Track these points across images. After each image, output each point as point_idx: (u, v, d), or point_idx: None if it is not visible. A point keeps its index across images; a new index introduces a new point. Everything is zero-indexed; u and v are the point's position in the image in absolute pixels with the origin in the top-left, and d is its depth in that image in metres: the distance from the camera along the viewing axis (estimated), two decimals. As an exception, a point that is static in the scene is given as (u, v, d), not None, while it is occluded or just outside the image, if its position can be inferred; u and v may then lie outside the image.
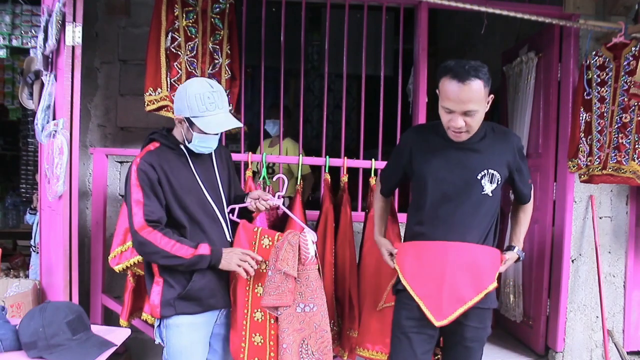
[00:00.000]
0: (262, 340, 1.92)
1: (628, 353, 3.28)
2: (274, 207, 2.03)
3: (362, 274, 2.38)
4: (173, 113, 1.96)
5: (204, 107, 1.75)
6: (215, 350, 2.00)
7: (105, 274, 2.95)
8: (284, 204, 2.08)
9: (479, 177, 1.75)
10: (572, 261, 3.25)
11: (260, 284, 1.91)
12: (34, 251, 3.43)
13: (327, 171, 2.62)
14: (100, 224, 2.88)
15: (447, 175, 1.78)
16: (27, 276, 3.14)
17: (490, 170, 1.75)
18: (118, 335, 1.80)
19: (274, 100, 4.20)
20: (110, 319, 3.02)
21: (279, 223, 2.39)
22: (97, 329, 1.77)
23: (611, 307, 3.31)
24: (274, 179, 3.00)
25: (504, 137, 1.82)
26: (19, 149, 4.83)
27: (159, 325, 1.91)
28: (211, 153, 1.96)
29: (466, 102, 1.63)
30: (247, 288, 1.94)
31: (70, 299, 2.24)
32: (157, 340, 1.94)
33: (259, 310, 1.92)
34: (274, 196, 2.01)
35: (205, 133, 1.79)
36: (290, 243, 1.87)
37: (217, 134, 1.84)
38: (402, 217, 2.24)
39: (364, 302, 2.34)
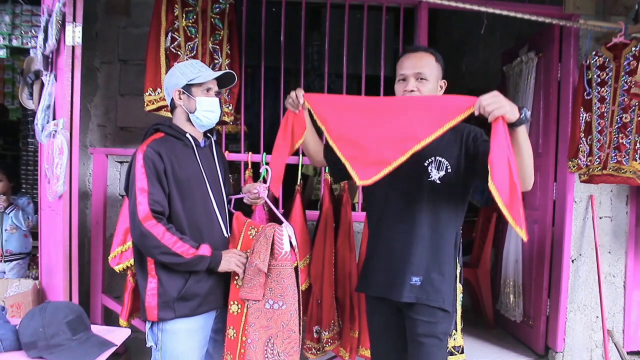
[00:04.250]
0: (235, 334, 1.86)
1: (628, 353, 3.28)
2: (258, 197, 1.96)
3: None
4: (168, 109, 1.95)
5: (197, 69, 1.84)
6: (208, 351, 1.95)
7: (105, 274, 2.95)
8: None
9: (425, 164, 1.76)
10: (572, 261, 3.25)
11: (238, 276, 1.85)
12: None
13: (327, 171, 2.62)
14: (100, 224, 2.89)
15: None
16: (27, 276, 3.14)
17: (437, 158, 1.75)
18: (118, 335, 1.80)
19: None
20: (110, 319, 3.02)
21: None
22: (97, 329, 1.77)
23: (611, 307, 3.31)
24: None
25: (458, 127, 1.71)
26: (19, 149, 4.83)
27: (151, 327, 1.82)
28: (212, 146, 1.95)
29: (418, 66, 1.76)
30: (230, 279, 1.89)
31: (70, 299, 2.24)
32: (150, 343, 1.84)
33: (235, 302, 1.86)
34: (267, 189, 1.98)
35: (207, 91, 1.82)
36: (265, 235, 1.80)
37: (217, 98, 1.86)
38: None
39: (365, 301, 2.34)
